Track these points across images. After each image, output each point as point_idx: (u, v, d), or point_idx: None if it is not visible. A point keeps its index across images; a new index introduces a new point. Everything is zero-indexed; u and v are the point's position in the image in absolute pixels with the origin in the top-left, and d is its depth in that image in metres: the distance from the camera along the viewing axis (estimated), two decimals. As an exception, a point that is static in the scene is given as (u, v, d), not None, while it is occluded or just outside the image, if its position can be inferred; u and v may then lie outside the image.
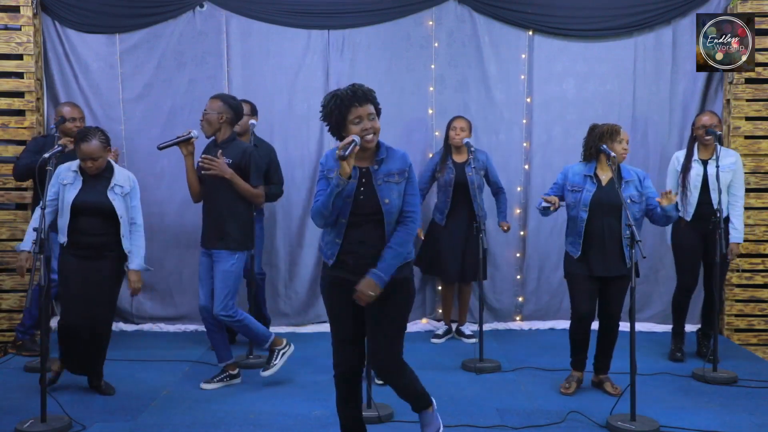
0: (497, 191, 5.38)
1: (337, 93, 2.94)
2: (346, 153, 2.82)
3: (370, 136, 2.92)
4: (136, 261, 4.14)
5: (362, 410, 3.26)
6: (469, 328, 5.57)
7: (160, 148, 4.27)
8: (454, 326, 5.63)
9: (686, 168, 4.85)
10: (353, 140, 2.85)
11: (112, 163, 4.19)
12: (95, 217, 4.02)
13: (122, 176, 4.15)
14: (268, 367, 4.35)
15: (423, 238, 5.42)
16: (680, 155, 4.95)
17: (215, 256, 4.24)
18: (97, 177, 4.08)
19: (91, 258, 4.04)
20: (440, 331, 5.55)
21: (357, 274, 2.96)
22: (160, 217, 5.72)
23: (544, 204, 4.14)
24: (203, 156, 4.21)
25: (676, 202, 4.02)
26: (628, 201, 4.03)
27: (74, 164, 4.10)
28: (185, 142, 4.24)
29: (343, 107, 2.90)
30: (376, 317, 3.02)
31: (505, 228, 5.31)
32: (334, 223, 2.98)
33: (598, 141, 4.13)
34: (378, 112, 2.99)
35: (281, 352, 4.38)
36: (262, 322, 5.03)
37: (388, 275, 2.94)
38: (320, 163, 3.04)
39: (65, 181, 4.04)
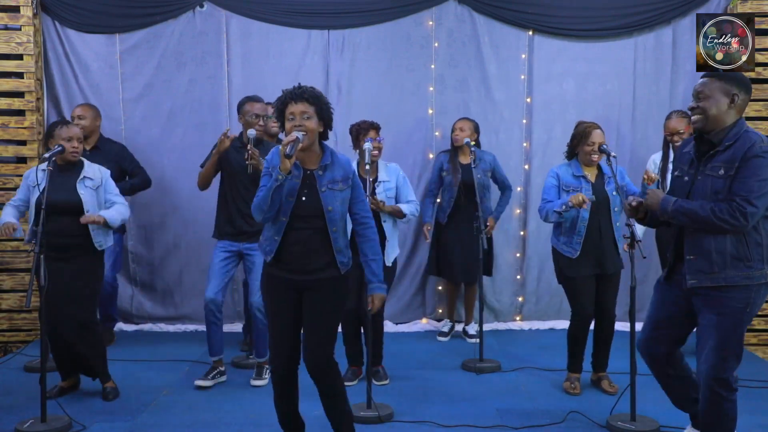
0: (503, 188, 5.41)
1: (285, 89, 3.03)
2: (290, 151, 2.86)
3: (300, 134, 2.94)
4: (107, 212, 3.98)
5: (298, 405, 3.25)
6: (473, 328, 5.57)
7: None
8: (459, 326, 5.63)
9: (664, 171, 4.87)
10: (297, 137, 2.91)
11: (83, 159, 4.13)
12: (65, 216, 3.89)
13: (92, 169, 4.10)
14: (260, 378, 4.45)
15: (428, 238, 5.36)
16: (656, 158, 4.96)
17: (247, 249, 4.34)
18: (66, 172, 4.01)
19: (62, 260, 3.90)
20: (445, 329, 5.57)
21: (294, 273, 3.04)
22: (160, 218, 5.73)
23: (576, 205, 3.95)
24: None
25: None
26: (613, 194, 4.11)
27: (43, 165, 3.96)
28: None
29: (281, 102, 3.01)
30: (313, 312, 3.07)
31: (489, 225, 5.23)
32: (274, 219, 3.03)
33: (576, 143, 4.19)
34: (320, 114, 3.02)
35: (268, 370, 4.44)
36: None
37: (383, 281, 3.21)
38: (266, 160, 3.08)
39: (33, 184, 3.96)
